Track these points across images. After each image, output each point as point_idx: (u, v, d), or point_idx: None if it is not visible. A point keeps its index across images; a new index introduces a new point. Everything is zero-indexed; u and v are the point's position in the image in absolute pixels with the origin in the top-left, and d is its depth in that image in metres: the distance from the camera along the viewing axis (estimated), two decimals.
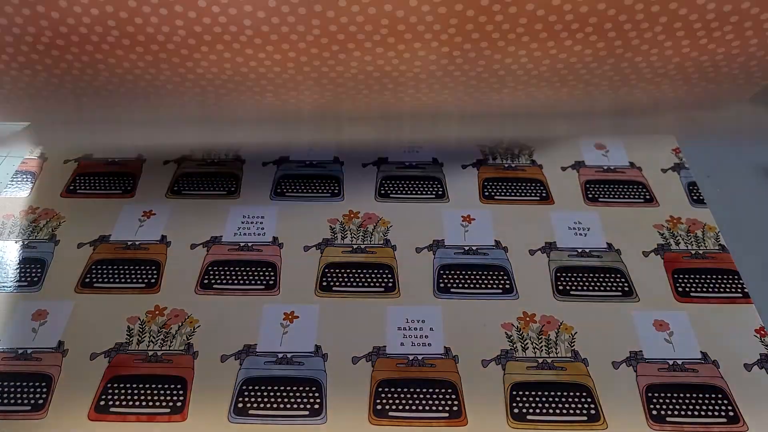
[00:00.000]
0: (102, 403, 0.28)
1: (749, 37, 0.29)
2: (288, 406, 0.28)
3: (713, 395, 0.28)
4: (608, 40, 0.29)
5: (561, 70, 0.31)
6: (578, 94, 0.34)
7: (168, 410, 0.28)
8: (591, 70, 0.31)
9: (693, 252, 0.34)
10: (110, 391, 0.28)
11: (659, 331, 0.31)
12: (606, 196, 0.37)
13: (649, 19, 0.28)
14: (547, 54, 0.30)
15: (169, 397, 0.28)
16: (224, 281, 0.33)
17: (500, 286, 0.33)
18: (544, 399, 0.28)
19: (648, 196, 0.37)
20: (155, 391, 0.28)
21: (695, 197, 0.37)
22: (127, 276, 0.33)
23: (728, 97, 0.34)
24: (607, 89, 0.33)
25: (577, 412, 0.28)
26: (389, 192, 0.38)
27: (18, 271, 0.33)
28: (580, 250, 0.34)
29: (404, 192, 0.38)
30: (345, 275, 0.33)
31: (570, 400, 0.28)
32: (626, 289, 0.32)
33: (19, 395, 0.28)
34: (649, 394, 0.28)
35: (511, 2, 0.27)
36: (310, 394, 0.28)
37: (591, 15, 0.28)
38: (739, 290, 0.32)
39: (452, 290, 0.32)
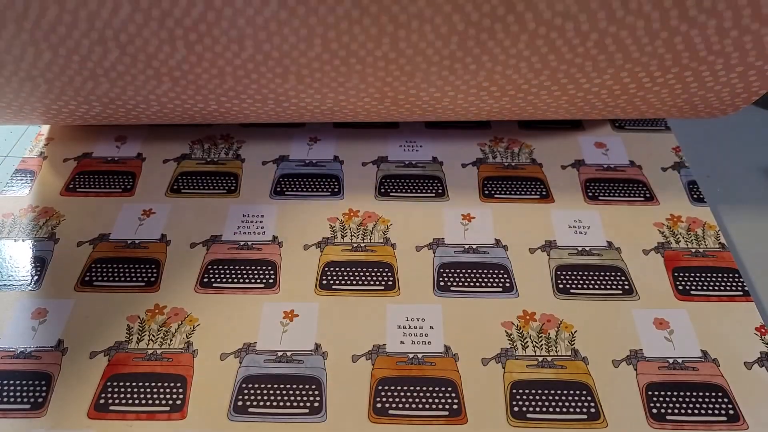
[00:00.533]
0: (101, 401, 0.28)
1: (748, 49, 0.29)
2: (288, 404, 0.28)
3: (713, 393, 0.28)
4: (609, 53, 0.29)
5: (561, 79, 0.31)
6: (578, 102, 0.34)
7: (168, 408, 0.28)
8: (591, 79, 0.31)
9: (693, 250, 0.34)
10: (110, 389, 0.28)
11: (659, 329, 0.31)
12: (606, 194, 0.37)
13: (650, 35, 0.28)
14: (548, 66, 0.30)
15: (168, 396, 0.28)
16: (224, 280, 0.33)
17: (500, 285, 0.33)
18: (544, 397, 0.28)
19: (648, 195, 0.37)
20: (155, 390, 0.28)
21: (695, 196, 0.37)
22: (127, 274, 0.33)
23: (726, 107, 0.34)
24: (606, 97, 0.33)
25: (577, 410, 0.28)
26: (389, 191, 0.38)
27: (17, 269, 0.33)
28: (580, 249, 0.34)
29: (404, 191, 0.38)
30: (345, 273, 0.33)
31: (570, 398, 0.28)
32: (626, 287, 0.32)
33: (18, 394, 0.28)
34: (649, 393, 0.28)
35: (513, 22, 0.27)
36: (310, 392, 0.28)
37: (593, 32, 0.28)
38: (739, 288, 0.32)
39: (452, 288, 0.32)
